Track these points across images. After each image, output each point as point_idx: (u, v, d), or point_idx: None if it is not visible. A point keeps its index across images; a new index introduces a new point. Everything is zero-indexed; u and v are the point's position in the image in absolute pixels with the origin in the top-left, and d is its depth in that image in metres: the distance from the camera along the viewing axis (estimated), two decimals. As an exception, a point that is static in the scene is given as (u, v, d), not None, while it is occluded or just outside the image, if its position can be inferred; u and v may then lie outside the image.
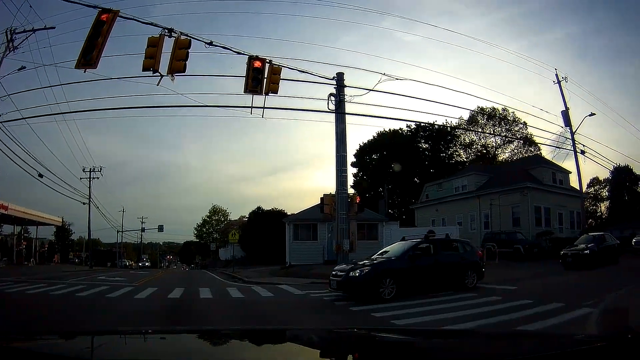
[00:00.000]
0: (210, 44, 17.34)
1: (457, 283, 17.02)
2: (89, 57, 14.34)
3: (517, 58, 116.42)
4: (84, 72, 15.13)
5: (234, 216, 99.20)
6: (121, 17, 15.32)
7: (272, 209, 57.86)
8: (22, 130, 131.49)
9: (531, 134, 62.90)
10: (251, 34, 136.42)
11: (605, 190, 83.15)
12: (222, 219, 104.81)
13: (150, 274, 40.34)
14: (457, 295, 15.34)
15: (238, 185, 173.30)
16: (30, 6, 23.85)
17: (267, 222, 50.41)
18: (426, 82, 39.18)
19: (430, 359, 2.83)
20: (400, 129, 71.10)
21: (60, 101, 47.45)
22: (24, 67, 24.86)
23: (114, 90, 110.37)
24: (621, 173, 77.74)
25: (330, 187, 26.86)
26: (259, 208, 60.52)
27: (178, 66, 15.55)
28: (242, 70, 17.78)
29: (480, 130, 69.54)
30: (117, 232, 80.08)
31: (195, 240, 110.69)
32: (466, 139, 72.84)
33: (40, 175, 33.51)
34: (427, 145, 72.86)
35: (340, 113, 22.62)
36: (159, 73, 15.37)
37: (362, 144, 73.41)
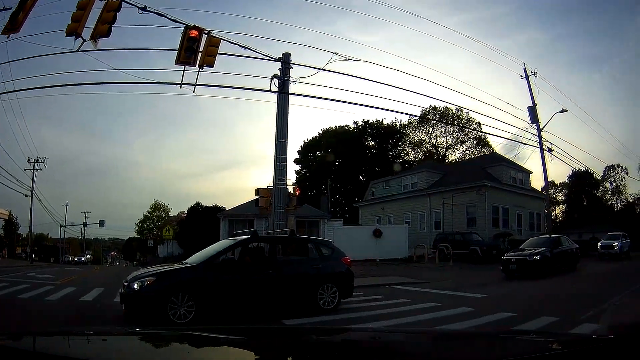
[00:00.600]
0: (144, 9, 15.70)
1: (307, 302, 12.31)
2: (14, 21, 13.73)
3: (480, 59, 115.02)
4: (7, 37, 14.48)
5: (175, 212, 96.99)
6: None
7: (213, 205, 55.30)
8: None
9: (485, 135, 65.02)
10: (190, 5, 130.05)
11: (561, 194, 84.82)
12: (163, 215, 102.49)
13: (83, 270, 39.27)
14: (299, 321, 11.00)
15: (183, 182, 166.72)
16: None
17: (205, 219, 48.09)
18: (374, 80, 34.49)
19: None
20: (347, 125, 70.29)
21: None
22: None
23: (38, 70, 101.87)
24: (580, 177, 79.51)
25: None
26: (197, 204, 58.11)
27: (102, 30, 14.46)
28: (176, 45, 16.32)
29: (431, 129, 69.09)
30: (60, 226, 79.39)
31: (137, 236, 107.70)
32: (416, 138, 71.59)
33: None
34: (374, 143, 71.30)
35: (283, 93, 20.56)
36: (82, 38, 14.39)
37: (306, 141, 72.02)
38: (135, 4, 15.37)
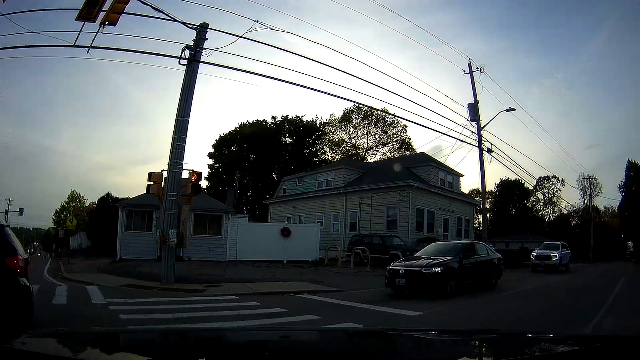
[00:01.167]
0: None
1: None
2: None
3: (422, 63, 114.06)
4: None
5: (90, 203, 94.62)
6: None
7: (125, 197, 50.14)
8: None
9: (410, 139, 65.37)
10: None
11: (487, 203, 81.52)
12: (79, 206, 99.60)
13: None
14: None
15: (103, 173, 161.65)
16: None
17: (114, 210, 42.22)
18: (300, 54, 29.79)
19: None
20: (265, 120, 68.68)
21: None
22: None
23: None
24: (510, 187, 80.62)
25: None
26: (107, 194, 56.32)
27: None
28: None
29: (353, 129, 67.87)
30: (-22, 215, 73.71)
31: (54, 226, 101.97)
32: (335, 137, 69.70)
33: None
34: (291, 140, 69.24)
35: (195, 61, 18.40)
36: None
37: (222, 135, 69.53)
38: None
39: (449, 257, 15.98)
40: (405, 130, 65.67)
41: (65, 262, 32.34)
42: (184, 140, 18.46)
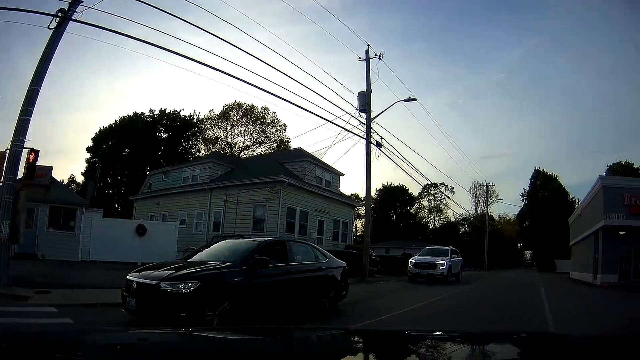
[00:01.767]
0: None
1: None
2: None
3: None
4: None
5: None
6: None
7: None
8: None
9: (289, 139, 63.61)
10: None
11: (362, 209, 79.72)
12: None
13: None
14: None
15: None
16: None
17: None
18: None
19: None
20: (142, 113, 65.17)
21: None
22: None
23: None
24: (392, 192, 78.52)
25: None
26: None
27: None
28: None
29: (230, 126, 65.54)
30: None
31: None
32: (212, 134, 66.86)
33: None
34: (166, 135, 65.89)
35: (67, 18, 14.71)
36: None
37: (102, 128, 65.53)
38: None
39: (227, 264, 9.62)
40: (285, 130, 64.59)
41: None
42: (30, 114, 15.31)
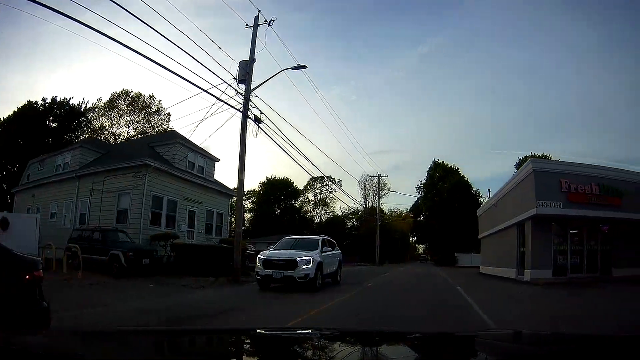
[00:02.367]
0: None
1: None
2: None
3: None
4: None
5: None
6: None
7: None
8: None
9: (171, 128, 60.79)
10: None
11: (249, 202, 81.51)
12: None
13: None
14: None
15: None
16: None
17: None
18: None
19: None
20: (36, 102, 61.80)
21: None
22: None
23: None
24: (276, 186, 78.03)
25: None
26: None
27: None
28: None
29: (116, 116, 64.01)
30: None
31: None
32: (98, 124, 64.76)
33: None
34: (55, 125, 62.29)
35: None
36: None
37: (2, 119, 61.71)
38: None
39: None
40: (169, 119, 63.42)
41: None
42: None
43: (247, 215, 76.79)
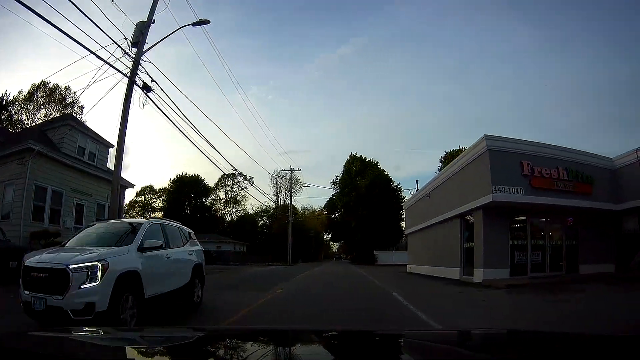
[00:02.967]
0: None
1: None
2: None
3: None
4: None
5: None
6: None
7: None
8: None
9: (85, 120, 55.25)
10: None
11: (160, 201, 76.35)
12: None
13: None
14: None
15: None
16: None
17: None
18: None
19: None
20: None
21: None
22: None
23: None
24: (187, 183, 74.71)
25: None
26: None
27: None
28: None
29: (34, 108, 58.98)
30: None
31: None
32: (17, 117, 59.40)
33: None
34: None
35: None
36: None
37: None
38: None
39: None
40: (82, 111, 59.14)
41: None
42: None
43: (158, 214, 73.80)
